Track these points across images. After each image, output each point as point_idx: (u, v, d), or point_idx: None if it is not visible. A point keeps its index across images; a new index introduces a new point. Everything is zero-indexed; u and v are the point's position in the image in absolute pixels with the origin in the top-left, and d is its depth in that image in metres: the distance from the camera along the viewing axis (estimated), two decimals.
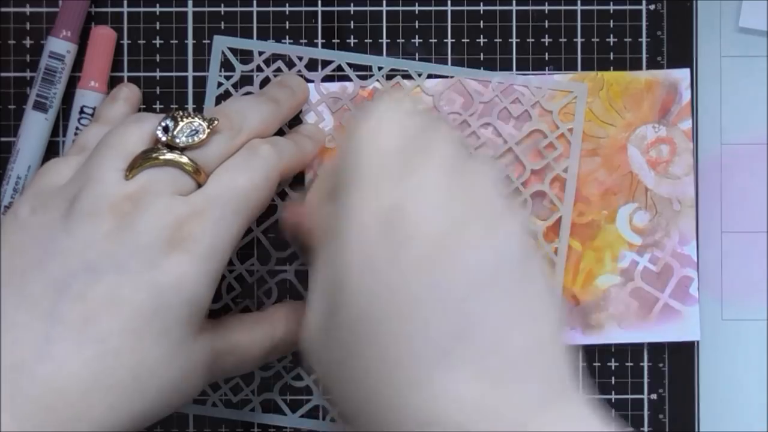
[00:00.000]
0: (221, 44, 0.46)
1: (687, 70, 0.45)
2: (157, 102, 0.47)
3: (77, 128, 0.46)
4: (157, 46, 0.47)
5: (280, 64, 0.46)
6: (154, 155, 0.36)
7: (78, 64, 0.47)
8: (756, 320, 0.46)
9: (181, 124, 0.37)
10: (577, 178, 0.44)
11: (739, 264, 0.47)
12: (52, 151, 0.47)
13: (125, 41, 0.47)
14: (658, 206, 0.45)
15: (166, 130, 0.37)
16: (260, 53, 0.46)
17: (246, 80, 0.47)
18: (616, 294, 0.44)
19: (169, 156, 0.36)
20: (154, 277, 0.33)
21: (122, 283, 0.33)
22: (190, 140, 0.36)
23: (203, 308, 0.35)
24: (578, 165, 0.44)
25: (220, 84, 0.46)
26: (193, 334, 0.35)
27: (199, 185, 0.36)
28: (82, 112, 0.46)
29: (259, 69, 0.46)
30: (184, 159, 0.36)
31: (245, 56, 0.47)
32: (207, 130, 0.37)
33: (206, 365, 0.36)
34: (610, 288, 0.44)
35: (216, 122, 0.37)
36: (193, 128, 0.37)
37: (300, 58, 0.46)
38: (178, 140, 0.36)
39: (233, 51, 0.46)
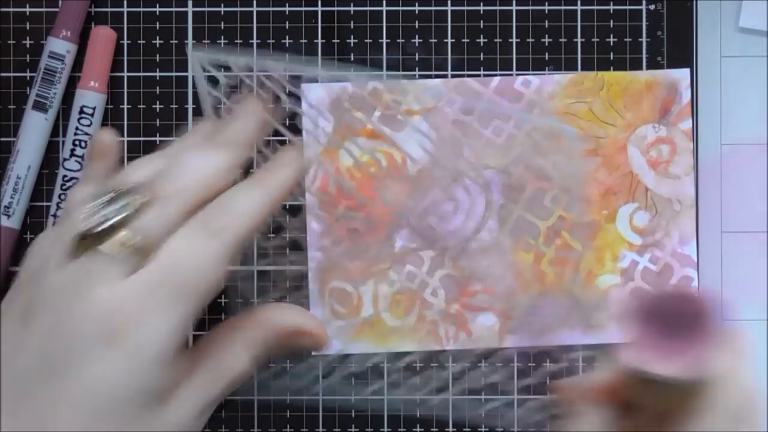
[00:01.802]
0: (197, 60, 0.41)
1: (687, 70, 0.45)
2: (157, 102, 0.47)
3: (77, 128, 0.46)
4: (157, 46, 0.47)
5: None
6: (89, 240, 0.32)
7: (78, 64, 0.47)
8: (756, 320, 0.46)
9: (110, 204, 0.33)
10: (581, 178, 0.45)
11: (739, 264, 0.47)
12: (51, 151, 0.47)
13: (125, 41, 0.47)
14: (658, 206, 0.45)
15: (99, 210, 0.33)
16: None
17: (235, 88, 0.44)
18: (616, 294, 0.45)
19: (105, 240, 0.32)
20: (93, 374, 0.31)
21: (66, 384, 0.31)
22: (120, 217, 0.32)
23: (155, 393, 0.32)
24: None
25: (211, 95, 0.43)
26: (151, 413, 0.32)
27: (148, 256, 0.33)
28: (81, 112, 0.46)
29: (241, 81, 0.43)
30: (118, 240, 0.32)
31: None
32: (137, 204, 0.33)
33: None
34: (611, 288, 0.44)
35: (143, 194, 0.33)
36: (123, 203, 0.33)
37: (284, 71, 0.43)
38: (111, 220, 0.33)
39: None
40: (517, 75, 0.45)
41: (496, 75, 0.45)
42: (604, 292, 0.44)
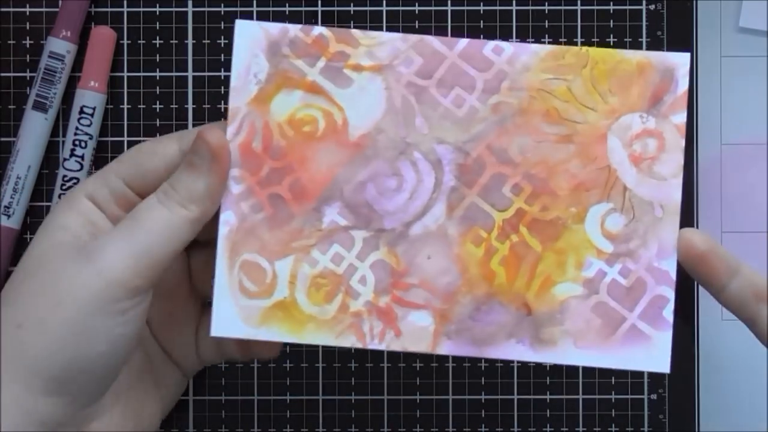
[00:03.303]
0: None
1: (687, 55, 0.38)
2: (157, 102, 0.47)
3: (77, 128, 0.46)
4: (157, 46, 0.47)
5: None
6: None
7: (78, 64, 0.47)
8: None
9: None
10: (546, 167, 0.38)
11: None
12: (51, 151, 0.47)
13: (125, 41, 0.47)
14: (636, 210, 0.38)
15: None
16: None
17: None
18: (575, 307, 0.38)
19: None
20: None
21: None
22: None
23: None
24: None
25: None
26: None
27: None
28: (81, 112, 0.46)
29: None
30: None
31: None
32: None
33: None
34: (570, 299, 0.38)
35: None
36: None
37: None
38: None
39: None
40: (490, 40, 0.39)
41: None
42: (560, 303, 0.38)
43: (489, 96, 0.38)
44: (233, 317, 0.37)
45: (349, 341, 0.38)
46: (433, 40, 0.38)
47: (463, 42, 0.38)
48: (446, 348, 0.38)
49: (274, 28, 0.38)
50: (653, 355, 0.37)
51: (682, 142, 0.38)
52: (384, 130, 0.38)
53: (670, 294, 0.38)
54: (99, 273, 0.35)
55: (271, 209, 0.38)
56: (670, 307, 0.38)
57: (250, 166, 0.37)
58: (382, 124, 0.38)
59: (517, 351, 0.38)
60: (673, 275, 0.38)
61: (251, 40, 0.38)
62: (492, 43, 0.38)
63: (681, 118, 0.38)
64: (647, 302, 0.38)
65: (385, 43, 0.38)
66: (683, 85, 0.38)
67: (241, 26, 0.38)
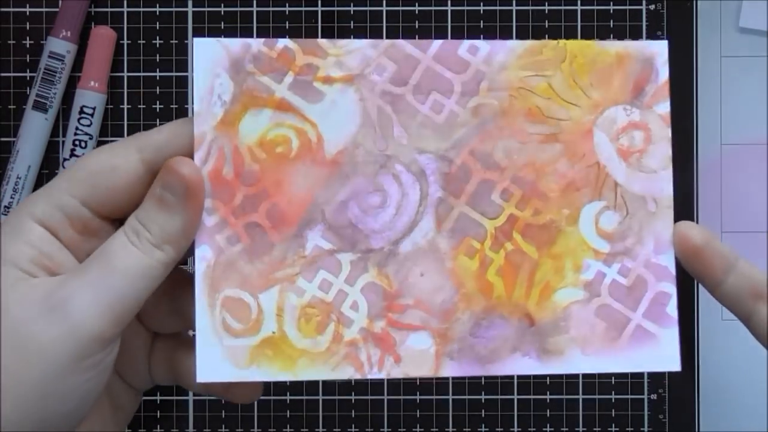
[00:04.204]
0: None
1: (665, 43, 0.37)
2: (157, 102, 0.47)
3: (77, 128, 0.46)
4: (157, 46, 0.47)
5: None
6: None
7: (78, 64, 0.47)
8: None
9: None
10: (533, 168, 0.37)
11: None
12: (51, 151, 0.47)
13: (125, 41, 0.47)
14: (629, 206, 0.37)
15: None
16: None
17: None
18: (578, 312, 0.36)
19: None
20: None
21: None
22: None
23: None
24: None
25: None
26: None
27: None
28: (81, 112, 0.46)
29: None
30: None
31: None
32: None
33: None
34: (572, 305, 0.36)
35: None
36: None
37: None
38: None
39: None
40: (464, 39, 0.37)
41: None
42: (563, 310, 0.36)
43: (468, 99, 0.36)
44: (219, 360, 0.35)
45: (347, 373, 0.35)
46: (405, 45, 0.36)
47: (437, 44, 0.36)
48: (449, 370, 0.36)
49: (235, 43, 0.35)
50: (662, 354, 0.36)
51: (669, 132, 0.37)
52: (361, 143, 0.36)
53: (672, 289, 0.36)
54: (71, 329, 0.31)
55: (249, 239, 0.35)
56: (673, 302, 0.36)
57: (222, 195, 0.35)
58: (359, 138, 0.35)
59: (524, 365, 0.36)
60: (673, 270, 0.36)
61: (212, 58, 0.35)
62: (467, 43, 0.37)
63: (665, 107, 0.37)
64: (650, 300, 0.36)
65: (354, 52, 0.36)
66: (663, 74, 0.37)
67: (199, 45, 0.35)
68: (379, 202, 0.36)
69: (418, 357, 0.36)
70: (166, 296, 0.36)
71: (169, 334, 0.37)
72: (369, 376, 0.35)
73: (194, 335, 0.35)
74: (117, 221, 0.34)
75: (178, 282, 0.36)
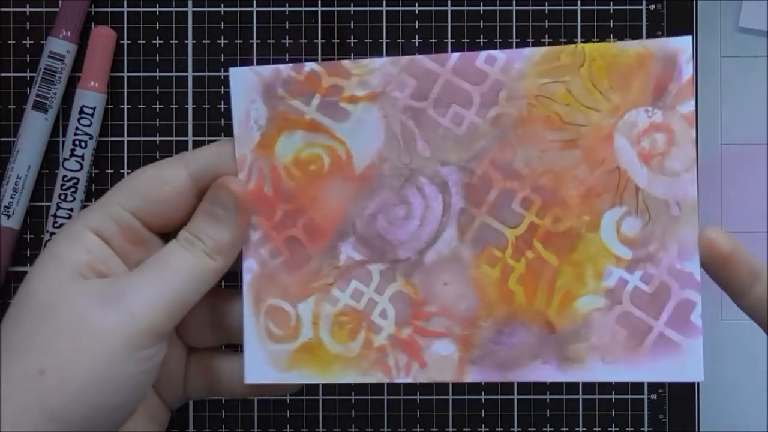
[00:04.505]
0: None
1: (688, 39, 0.36)
2: (157, 102, 0.47)
3: (77, 128, 0.46)
4: (157, 46, 0.47)
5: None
6: None
7: (78, 64, 0.47)
8: None
9: None
10: (553, 174, 0.37)
11: None
12: (51, 151, 0.47)
13: (125, 41, 0.47)
14: (651, 210, 0.36)
15: None
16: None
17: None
18: (600, 320, 0.36)
19: None
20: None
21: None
22: None
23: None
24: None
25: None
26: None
27: None
28: (81, 112, 0.46)
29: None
30: None
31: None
32: None
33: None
34: (593, 312, 0.36)
35: None
36: None
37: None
38: None
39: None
40: (480, 50, 0.38)
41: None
42: (584, 318, 0.36)
43: (487, 109, 0.37)
44: (263, 363, 0.38)
45: (376, 377, 0.37)
46: (424, 60, 0.37)
47: (455, 57, 0.37)
48: (472, 375, 0.37)
49: (266, 70, 0.38)
50: (685, 364, 0.35)
51: (693, 133, 0.36)
52: (387, 158, 0.37)
53: (697, 297, 0.35)
54: (128, 319, 0.33)
55: (288, 252, 0.37)
56: (698, 310, 0.35)
57: (264, 212, 0.38)
58: (385, 153, 0.37)
59: (544, 372, 0.36)
60: (698, 276, 0.35)
61: (247, 86, 0.38)
62: (484, 54, 0.37)
63: (689, 107, 0.36)
64: (673, 308, 0.36)
65: (376, 70, 0.37)
66: (687, 72, 0.36)
67: (235, 74, 0.38)
68: (404, 213, 0.37)
69: (442, 363, 0.37)
70: (208, 310, 0.38)
71: (205, 348, 0.39)
72: (396, 380, 0.37)
73: (228, 345, 0.38)
74: (165, 235, 0.37)
75: (219, 296, 0.39)
